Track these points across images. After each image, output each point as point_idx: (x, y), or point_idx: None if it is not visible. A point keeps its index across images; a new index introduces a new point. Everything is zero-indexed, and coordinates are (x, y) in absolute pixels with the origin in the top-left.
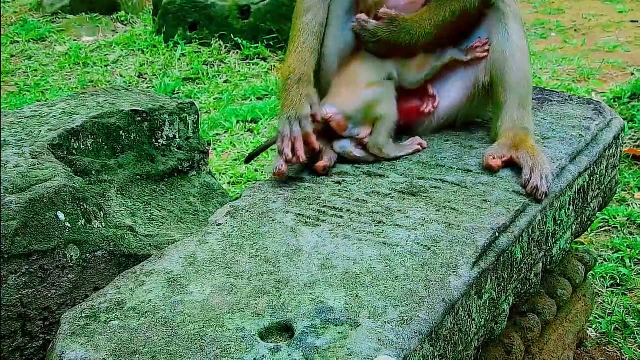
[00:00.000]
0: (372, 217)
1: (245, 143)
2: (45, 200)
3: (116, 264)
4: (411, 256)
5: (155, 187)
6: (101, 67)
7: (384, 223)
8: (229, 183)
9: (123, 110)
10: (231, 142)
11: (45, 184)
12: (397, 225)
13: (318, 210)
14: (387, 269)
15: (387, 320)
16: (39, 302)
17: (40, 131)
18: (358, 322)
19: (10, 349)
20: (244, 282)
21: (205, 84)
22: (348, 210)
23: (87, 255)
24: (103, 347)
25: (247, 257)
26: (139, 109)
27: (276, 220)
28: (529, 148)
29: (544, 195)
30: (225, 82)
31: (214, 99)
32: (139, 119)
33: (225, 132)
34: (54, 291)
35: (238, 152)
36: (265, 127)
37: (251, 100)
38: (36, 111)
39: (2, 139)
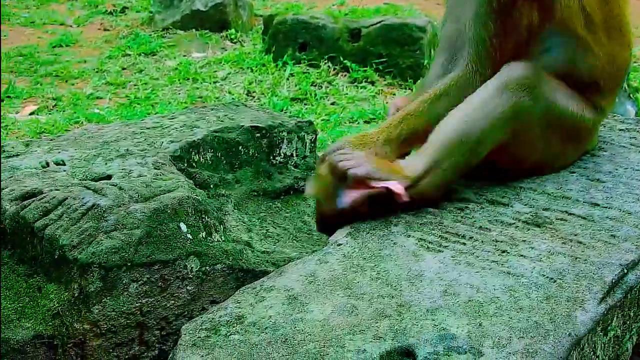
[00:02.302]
0: (495, 245)
1: None
2: (169, 211)
3: (234, 278)
4: (536, 288)
5: (270, 204)
6: (210, 84)
7: (508, 252)
8: None
9: (243, 125)
10: None
11: (169, 195)
12: (521, 255)
13: (440, 235)
14: (511, 300)
15: (512, 351)
16: (158, 311)
17: (162, 142)
18: (482, 351)
19: (127, 357)
20: (365, 303)
21: (312, 105)
22: (471, 238)
23: (207, 267)
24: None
25: (367, 278)
26: (258, 125)
27: (397, 243)
28: None
29: None
30: (332, 104)
31: (322, 120)
32: (258, 135)
33: None
34: (173, 302)
35: None
36: None
37: (358, 123)
38: (158, 123)
39: (125, 149)
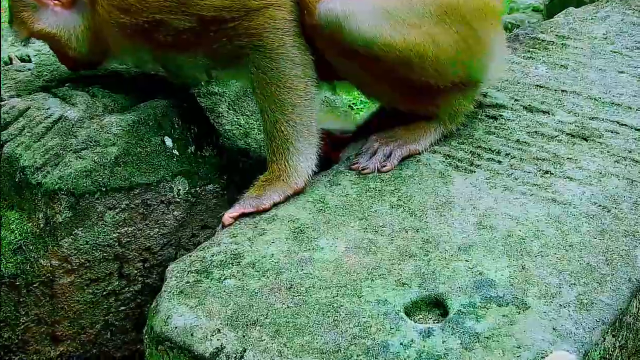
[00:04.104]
0: (536, 165)
1: None
2: (150, 123)
3: (229, 198)
4: (587, 219)
5: None
6: None
7: (552, 174)
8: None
9: None
10: None
11: (151, 103)
12: (567, 177)
13: (471, 152)
14: (558, 234)
15: (562, 303)
16: (139, 241)
17: None
18: (526, 302)
19: (105, 292)
20: (385, 239)
21: None
22: (507, 155)
23: (197, 189)
24: (216, 313)
25: (387, 206)
26: None
27: (421, 161)
28: None
29: None
30: None
31: None
32: None
33: None
34: (157, 230)
35: None
36: None
37: None
38: None
39: None
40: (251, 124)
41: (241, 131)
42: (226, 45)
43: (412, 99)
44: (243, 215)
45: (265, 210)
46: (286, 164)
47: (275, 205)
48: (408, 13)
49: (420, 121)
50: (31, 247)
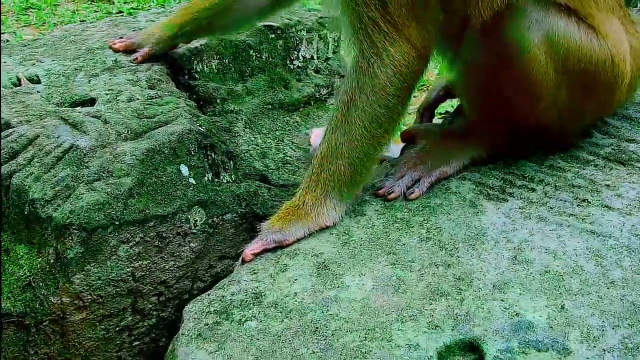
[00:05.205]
0: (572, 192)
1: None
2: (166, 151)
3: (247, 228)
4: (629, 253)
5: (288, 118)
6: None
7: (589, 202)
8: None
9: (254, 25)
10: None
11: (166, 129)
12: (605, 206)
13: (502, 178)
14: (598, 270)
15: (606, 347)
16: (154, 275)
17: None
18: (567, 347)
19: (118, 328)
20: (414, 275)
21: None
22: (541, 182)
23: (215, 219)
24: (237, 358)
25: (416, 238)
26: (272, 23)
27: (450, 189)
28: None
29: None
30: None
31: None
32: (273, 35)
33: None
34: (173, 262)
35: None
36: None
37: None
38: (152, 22)
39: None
40: (268, 142)
41: (258, 151)
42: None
43: (498, 115)
44: (265, 251)
45: (288, 246)
46: (323, 200)
47: (299, 240)
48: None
49: (452, 140)
50: (41, 284)
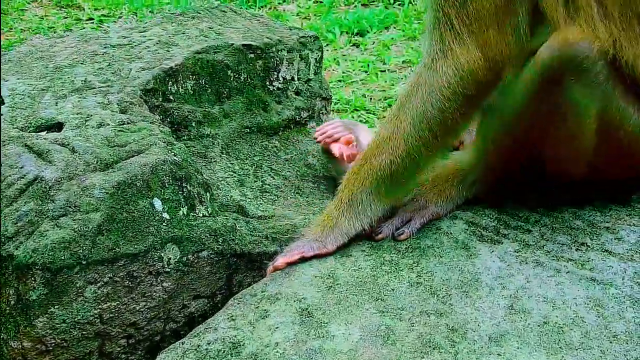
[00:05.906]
0: (570, 235)
1: (350, 60)
2: (138, 184)
3: (224, 265)
4: (632, 303)
5: (267, 143)
6: None
7: (588, 246)
8: (332, 110)
9: (232, 44)
10: (334, 59)
11: (139, 159)
12: (606, 250)
13: (497, 217)
14: (600, 322)
15: None
16: (124, 317)
17: (131, 70)
18: None
19: None
20: (404, 325)
21: None
22: (537, 222)
23: (189, 256)
24: None
25: (405, 283)
26: (252, 43)
27: (441, 229)
28: None
29: None
30: None
31: (314, 3)
32: (252, 55)
33: (327, 45)
34: (144, 303)
35: (343, 72)
36: (374, 42)
37: (355, 6)
38: (125, 38)
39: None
40: (246, 169)
41: (235, 179)
42: None
43: (521, 160)
44: (303, 259)
45: (328, 255)
46: (359, 196)
47: (339, 249)
48: None
49: (447, 180)
50: (0, 327)
